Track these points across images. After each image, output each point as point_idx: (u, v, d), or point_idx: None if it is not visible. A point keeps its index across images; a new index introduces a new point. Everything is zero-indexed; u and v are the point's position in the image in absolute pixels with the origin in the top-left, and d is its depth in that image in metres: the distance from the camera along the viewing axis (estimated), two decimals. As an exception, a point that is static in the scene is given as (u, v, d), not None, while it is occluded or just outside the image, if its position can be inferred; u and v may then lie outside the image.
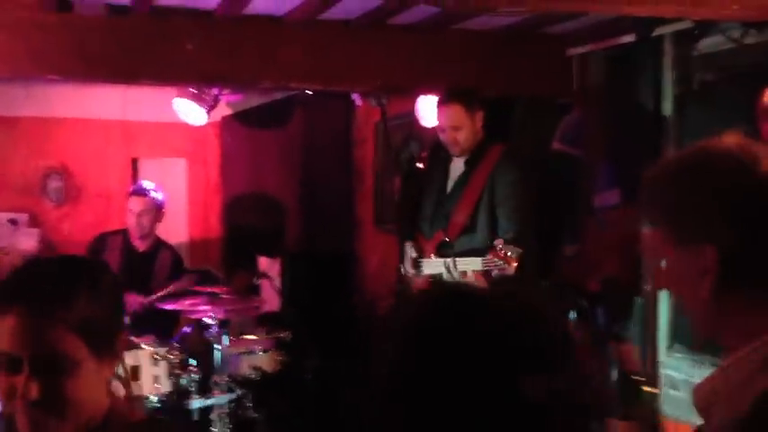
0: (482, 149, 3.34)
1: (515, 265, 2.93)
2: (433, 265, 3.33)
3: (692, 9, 2.65)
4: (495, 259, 2.96)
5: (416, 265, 3.43)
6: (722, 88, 3.16)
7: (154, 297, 3.84)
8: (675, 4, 2.51)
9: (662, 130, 3.46)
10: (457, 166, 3.42)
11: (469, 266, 3.15)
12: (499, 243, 2.97)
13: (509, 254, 2.94)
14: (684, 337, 3.44)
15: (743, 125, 3.02)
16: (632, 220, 3.65)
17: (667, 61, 3.41)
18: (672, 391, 3.51)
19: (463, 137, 3.29)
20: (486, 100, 3.37)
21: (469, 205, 3.31)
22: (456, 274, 3.15)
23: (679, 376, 3.47)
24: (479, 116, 3.31)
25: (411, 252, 3.45)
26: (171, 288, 3.83)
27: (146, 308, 3.89)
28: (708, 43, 3.20)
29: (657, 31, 3.29)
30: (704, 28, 3.07)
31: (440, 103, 3.33)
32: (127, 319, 3.56)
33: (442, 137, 3.34)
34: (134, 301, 3.84)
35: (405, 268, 3.49)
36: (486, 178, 3.30)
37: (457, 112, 3.27)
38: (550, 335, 0.83)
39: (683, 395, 3.45)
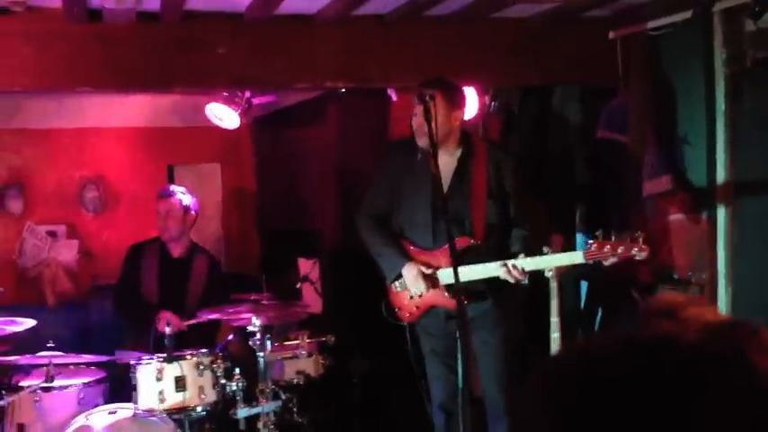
0: (468, 144, 3.16)
1: (645, 253, 2.72)
2: (471, 272, 2.99)
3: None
4: (611, 247, 2.74)
5: (431, 279, 3.12)
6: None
7: (192, 321, 3.78)
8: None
9: (714, 113, 3.31)
10: (444, 166, 3.06)
11: (560, 262, 2.89)
12: (599, 234, 2.77)
13: (633, 239, 2.72)
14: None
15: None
16: (685, 207, 3.53)
17: (718, 40, 3.26)
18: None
19: (417, 124, 3.01)
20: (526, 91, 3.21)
21: (483, 201, 3.11)
22: (520, 276, 2.92)
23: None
24: (456, 116, 3.08)
25: (414, 270, 3.12)
26: (202, 317, 3.74)
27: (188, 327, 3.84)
28: (763, 19, 3.04)
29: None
30: (762, 3, 2.91)
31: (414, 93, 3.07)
32: (169, 329, 3.53)
33: (413, 122, 3.08)
34: (173, 322, 3.79)
35: (412, 291, 3.17)
36: (487, 170, 3.12)
37: (412, 101, 3.05)
38: None
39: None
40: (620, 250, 2.74)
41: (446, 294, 3.11)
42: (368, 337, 4.51)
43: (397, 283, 3.24)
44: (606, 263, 2.80)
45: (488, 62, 3.55)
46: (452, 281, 2.95)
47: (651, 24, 3.43)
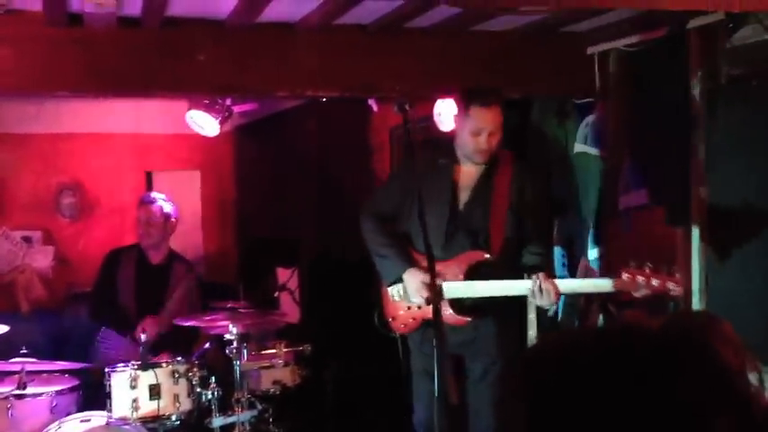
0: (496, 156, 3.08)
1: (680, 289, 2.60)
2: (475, 288, 2.89)
3: (735, 1, 2.53)
4: (644, 279, 2.61)
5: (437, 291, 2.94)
6: (753, 83, 3.05)
7: (167, 317, 3.77)
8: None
9: (690, 128, 3.36)
10: (467, 176, 3.08)
11: (588, 289, 2.83)
12: (632, 263, 2.64)
13: (670, 272, 2.58)
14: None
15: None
16: (660, 221, 3.57)
17: (693, 56, 3.31)
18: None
19: (496, 142, 3.00)
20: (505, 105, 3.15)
21: (503, 217, 2.99)
22: (554, 298, 2.79)
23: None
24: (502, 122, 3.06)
25: (418, 277, 2.96)
26: (180, 305, 3.72)
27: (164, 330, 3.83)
28: (736, 36, 3.10)
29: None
30: (737, 20, 2.97)
31: (477, 105, 2.99)
32: (144, 337, 3.50)
33: (473, 142, 2.99)
34: (151, 326, 3.77)
35: (412, 300, 3.01)
36: (510, 187, 3.03)
37: (497, 115, 2.97)
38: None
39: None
40: (654, 283, 2.63)
41: (449, 310, 2.95)
42: (345, 347, 4.51)
43: (395, 290, 3.09)
44: (636, 294, 2.69)
45: (468, 74, 3.57)
46: (459, 295, 2.92)
47: (628, 41, 3.48)
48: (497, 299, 2.91)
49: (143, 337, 3.45)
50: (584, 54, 3.71)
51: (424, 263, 2.92)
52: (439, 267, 2.95)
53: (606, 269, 3.72)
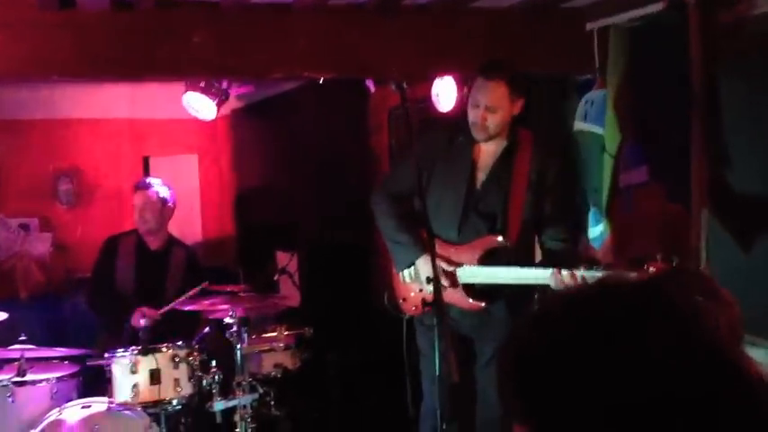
0: (515, 137, 2.97)
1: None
2: (495, 275, 2.80)
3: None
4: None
5: (449, 276, 2.88)
6: (755, 57, 3.02)
7: (166, 308, 3.74)
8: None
9: (691, 104, 3.33)
10: (485, 157, 2.97)
11: None
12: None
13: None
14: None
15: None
16: (660, 198, 3.55)
17: (694, 31, 3.27)
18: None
19: (496, 121, 2.87)
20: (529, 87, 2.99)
21: (522, 201, 2.89)
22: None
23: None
24: (519, 105, 2.91)
25: (430, 266, 2.74)
26: (182, 298, 3.70)
27: (162, 316, 3.81)
28: (738, 9, 3.06)
29: None
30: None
31: (480, 76, 2.88)
32: (144, 321, 3.49)
33: (471, 115, 2.89)
34: (149, 314, 3.75)
35: (425, 285, 2.89)
36: (530, 168, 2.91)
37: (499, 90, 2.84)
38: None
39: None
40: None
41: (463, 294, 2.90)
42: (345, 330, 4.50)
43: (407, 272, 3.03)
44: None
45: (466, 53, 3.53)
46: (474, 280, 2.86)
47: (627, 16, 3.43)
48: (508, 287, 2.86)
49: (142, 322, 3.44)
50: (583, 30, 3.67)
51: (440, 249, 2.86)
52: (453, 251, 2.94)
53: (614, 248, 3.70)
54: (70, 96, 5.13)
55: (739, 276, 3.19)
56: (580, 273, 2.68)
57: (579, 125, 3.84)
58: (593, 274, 2.68)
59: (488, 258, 2.89)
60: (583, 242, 3.85)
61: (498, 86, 2.86)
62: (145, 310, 3.77)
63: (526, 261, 2.90)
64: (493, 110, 2.87)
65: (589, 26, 3.65)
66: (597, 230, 3.81)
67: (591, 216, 3.81)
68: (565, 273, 2.66)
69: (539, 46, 3.69)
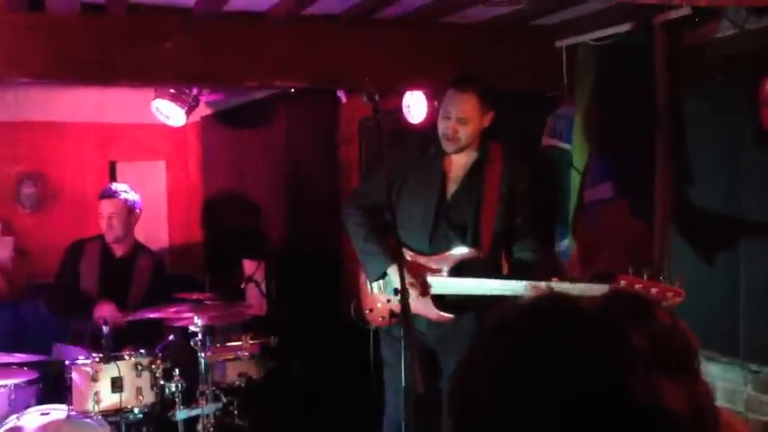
0: (485, 149, 3.01)
1: (680, 299, 2.53)
2: (484, 286, 2.80)
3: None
4: (642, 287, 2.53)
5: (421, 287, 2.87)
6: (718, 77, 3.10)
7: (133, 316, 3.68)
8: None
9: (655, 122, 3.40)
10: (456, 168, 3.00)
11: (585, 292, 2.62)
12: (630, 269, 2.57)
13: (672, 283, 2.52)
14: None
15: (739, 115, 2.98)
16: (625, 214, 3.61)
17: (660, 51, 3.35)
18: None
19: (466, 133, 2.89)
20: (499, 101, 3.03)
21: (493, 212, 2.91)
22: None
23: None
24: (489, 117, 2.94)
25: (396, 274, 2.76)
26: (141, 314, 3.64)
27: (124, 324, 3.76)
28: (702, 32, 3.14)
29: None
30: (704, 15, 3.01)
31: (452, 88, 2.92)
32: (106, 329, 3.44)
33: (442, 126, 2.92)
34: (112, 316, 3.70)
35: (382, 289, 2.95)
36: (500, 180, 2.94)
37: (470, 102, 2.87)
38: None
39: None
40: (653, 291, 2.58)
41: (431, 305, 2.90)
42: (312, 340, 4.49)
43: (375, 284, 3.03)
44: None
45: (437, 66, 3.57)
46: (443, 291, 2.86)
47: (596, 35, 3.51)
48: (475, 298, 2.86)
49: (105, 329, 3.39)
50: (552, 48, 3.73)
51: (410, 256, 2.92)
52: (424, 261, 2.95)
53: (575, 262, 3.75)
54: (35, 99, 5.06)
55: (700, 293, 3.26)
56: (554, 286, 2.70)
57: (547, 141, 3.91)
58: (563, 287, 2.73)
59: (459, 270, 2.90)
60: (553, 255, 3.90)
61: (470, 99, 2.89)
62: (108, 307, 3.72)
63: (496, 273, 2.92)
64: (464, 121, 2.90)
65: (558, 44, 3.72)
66: (564, 244, 3.87)
67: (558, 230, 3.88)
68: (535, 285, 2.69)
69: (509, 61, 3.74)
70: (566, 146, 3.83)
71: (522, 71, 3.79)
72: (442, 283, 2.90)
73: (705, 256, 3.21)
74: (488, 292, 2.82)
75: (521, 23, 3.65)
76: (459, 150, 2.97)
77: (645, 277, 2.60)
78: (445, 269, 2.91)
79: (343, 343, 4.02)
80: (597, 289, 2.71)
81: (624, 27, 3.30)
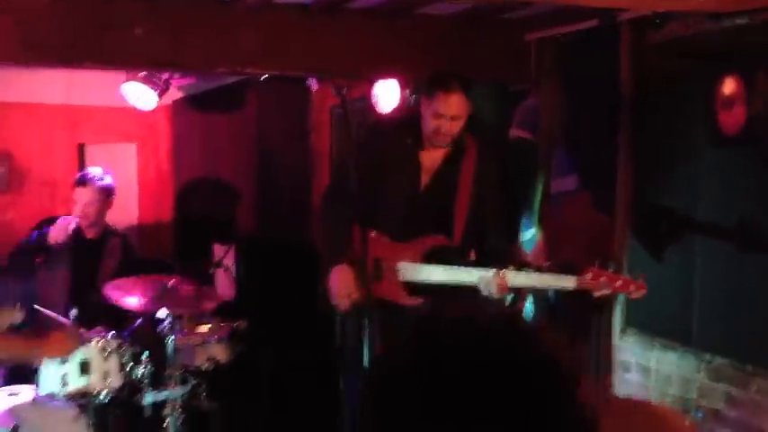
0: (461, 141, 3.06)
1: (643, 292, 2.66)
2: (442, 273, 2.91)
3: (659, 2, 2.64)
4: (607, 279, 2.65)
5: (392, 274, 2.96)
6: (680, 75, 3.18)
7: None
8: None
9: (619, 118, 3.49)
10: (432, 159, 3.06)
11: (549, 284, 2.84)
12: (596, 262, 2.68)
13: (635, 277, 2.65)
14: (637, 322, 3.50)
15: (700, 112, 3.06)
16: (587, 207, 3.70)
17: (624, 48, 3.43)
18: (626, 374, 3.58)
19: (458, 127, 2.97)
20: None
21: (467, 203, 2.99)
22: (506, 292, 2.77)
23: (632, 359, 3.53)
24: (469, 110, 3.02)
25: (347, 278, 2.92)
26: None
27: (93, 298, 3.76)
28: (666, 30, 3.22)
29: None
30: (665, 15, 3.08)
31: (440, 91, 2.97)
32: (75, 312, 3.44)
33: (434, 124, 2.97)
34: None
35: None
36: (475, 173, 3.02)
37: (462, 100, 2.96)
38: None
39: (637, 377, 3.51)
40: (617, 284, 2.68)
41: (402, 290, 2.97)
42: (281, 325, 4.53)
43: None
44: (597, 293, 2.72)
45: (408, 56, 3.61)
46: (414, 278, 2.93)
47: (563, 30, 3.57)
48: (455, 284, 2.92)
49: (73, 312, 3.40)
50: (521, 41, 3.79)
51: (385, 247, 2.96)
52: (399, 249, 3.01)
53: (540, 251, 3.84)
54: (2, 79, 4.99)
55: (657, 285, 3.36)
56: (510, 273, 2.79)
57: (515, 131, 3.98)
58: (522, 274, 2.81)
59: (431, 257, 2.97)
60: (516, 245, 3.98)
61: (460, 97, 2.97)
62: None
63: (466, 261, 2.99)
64: (457, 118, 2.98)
65: (527, 38, 3.78)
66: (529, 234, 3.95)
67: (523, 220, 3.96)
68: (493, 273, 2.77)
69: (478, 54, 3.79)
70: (532, 137, 3.91)
71: (492, 63, 3.85)
72: (413, 269, 2.96)
73: (662, 249, 3.30)
74: (452, 280, 2.89)
75: (490, 16, 3.70)
76: (449, 144, 3.05)
77: (610, 270, 2.70)
78: (418, 256, 2.98)
79: (313, 329, 4.07)
80: (565, 279, 2.82)
81: (591, 23, 3.36)
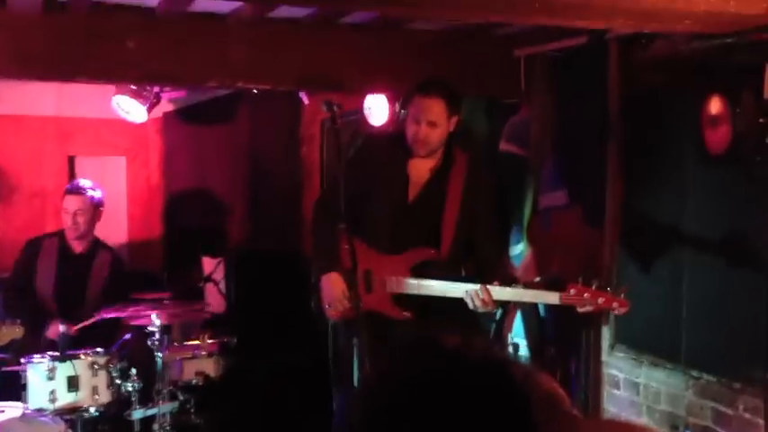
0: (450, 155, 3.06)
1: (625, 309, 2.65)
2: (432, 288, 2.90)
3: (645, 23, 2.67)
4: (590, 296, 2.65)
5: (381, 287, 2.97)
6: (667, 93, 3.21)
7: (83, 324, 3.65)
8: (627, 18, 2.50)
9: (608, 133, 3.51)
10: (420, 172, 3.05)
11: (534, 299, 2.85)
12: (580, 278, 2.68)
13: (618, 294, 2.65)
14: (626, 338, 3.51)
15: (687, 130, 3.09)
16: (577, 221, 3.72)
17: (613, 64, 3.46)
18: (614, 390, 3.59)
19: (437, 136, 2.94)
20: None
21: (455, 216, 2.98)
22: (491, 306, 2.77)
23: (621, 375, 3.54)
24: (454, 121, 2.99)
25: (338, 286, 2.94)
26: (97, 317, 3.62)
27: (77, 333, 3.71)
28: (653, 48, 3.25)
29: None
30: (652, 34, 3.11)
31: (418, 94, 2.97)
32: (63, 328, 3.42)
33: (412, 130, 2.95)
34: (59, 330, 3.66)
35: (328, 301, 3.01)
36: (464, 186, 3.01)
37: (439, 106, 2.92)
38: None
39: (625, 394, 3.52)
40: (599, 301, 2.68)
41: (391, 303, 2.98)
42: (271, 339, 4.52)
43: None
44: (580, 309, 2.73)
45: (398, 70, 3.62)
46: (403, 291, 2.92)
47: (553, 46, 3.60)
48: (444, 298, 2.92)
49: (62, 328, 3.38)
50: (511, 56, 3.82)
51: (373, 259, 2.97)
52: (387, 261, 3.01)
53: (533, 267, 3.84)
54: (-7, 91, 4.99)
55: (645, 302, 3.38)
56: (496, 288, 2.80)
57: (504, 146, 4.00)
58: (507, 289, 2.82)
59: (419, 270, 2.97)
60: (505, 259, 4.00)
61: (438, 103, 2.95)
62: (60, 325, 3.67)
63: (456, 275, 2.99)
64: (433, 125, 2.95)
65: (517, 53, 3.81)
66: (518, 249, 3.96)
67: (512, 234, 3.97)
68: (479, 287, 2.78)
69: (468, 68, 3.81)
70: (521, 152, 3.93)
71: (481, 78, 3.87)
72: (401, 283, 2.97)
73: (651, 266, 3.32)
74: (440, 293, 2.90)
75: (481, 31, 3.73)
76: (431, 153, 3.03)
77: (594, 287, 2.71)
78: (406, 269, 2.98)
79: (303, 341, 4.07)
80: (549, 295, 2.83)
81: (580, 40, 3.39)
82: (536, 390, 0.79)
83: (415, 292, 2.96)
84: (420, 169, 3.07)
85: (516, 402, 0.77)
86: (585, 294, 2.69)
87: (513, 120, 3.96)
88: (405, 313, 3.01)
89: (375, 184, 3.05)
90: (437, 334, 0.86)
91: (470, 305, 2.82)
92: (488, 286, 2.78)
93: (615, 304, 2.70)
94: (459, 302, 2.90)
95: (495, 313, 2.99)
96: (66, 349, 3.34)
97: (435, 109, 2.94)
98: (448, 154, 3.06)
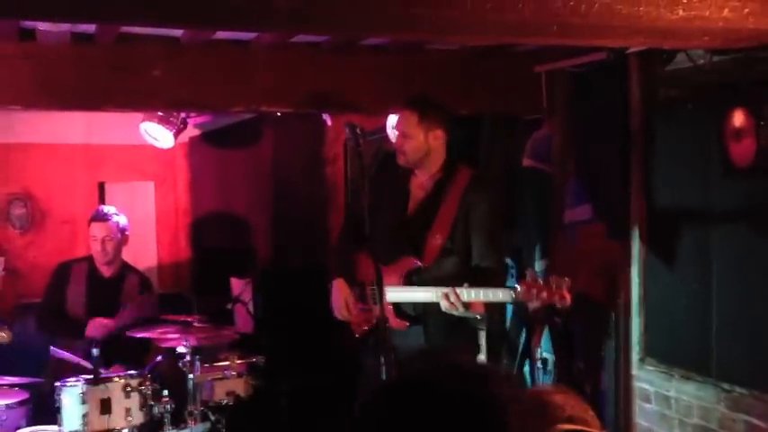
0: (451, 171, 3.16)
1: (569, 297, 2.72)
2: (408, 294, 3.04)
3: (663, 40, 2.68)
4: (536, 291, 2.71)
5: (376, 295, 3.01)
6: (689, 107, 3.20)
7: (120, 323, 3.76)
8: (645, 36, 2.51)
9: (630, 148, 3.51)
10: (421, 186, 3.19)
11: (491, 298, 2.88)
12: (531, 273, 2.77)
13: (558, 286, 2.70)
14: (656, 351, 3.49)
15: (711, 144, 3.08)
16: (602, 235, 3.71)
17: (633, 79, 3.46)
18: (645, 404, 3.56)
19: (410, 147, 3.09)
20: (455, 123, 3.22)
21: (446, 229, 3.09)
22: (459, 307, 2.86)
23: (651, 389, 3.52)
24: (436, 135, 3.10)
25: (342, 294, 3.14)
26: (134, 313, 3.74)
27: (113, 336, 3.82)
28: (674, 62, 3.25)
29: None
30: (670, 51, 3.12)
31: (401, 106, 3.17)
32: (96, 351, 3.49)
33: (393, 140, 3.17)
34: (99, 325, 3.78)
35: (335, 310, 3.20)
36: (459, 202, 3.10)
37: (410, 118, 3.08)
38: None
39: (657, 408, 3.49)
40: (543, 295, 2.75)
41: (390, 312, 3.06)
42: (299, 358, 4.55)
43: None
44: (531, 305, 2.86)
45: (419, 91, 3.63)
46: (396, 299, 3.03)
47: (573, 62, 3.61)
48: (430, 307, 3.00)
49: (95, 351, 3.44)
50: (532, 73, 3.84)
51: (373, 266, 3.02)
52: (385, 272, 2.99)
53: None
54: (24, 120, 5.10)
55: (674, 315, 3.36)
56: (464, 290, 2.86)
57: (527, 162, 4.01)
58: (472, 290, 2.87)
59: (409, 279, 3.08)
60: (531, 273, 3.99)
61: (410, 115, 3.10)
62: (95, 326, 3.79)
63: (446, 284, 3.01)
64: (405, 136, 3.10)
65: (537, 69, 3.82)
66: (543, 263, 3.96)
67: (536, 250, 3.97)
68: (448, 290, 2.85)
69: (489, 86, 3.84)
70: (544, 167, 3.93)
71: (503, 95, 3.89)
72: (394, 292, 3.05)
73: (679, 278, 3.30)
74: (420, 300, 3.00)
75: (501, 49, 3.75)
76: (412, 164, 3.15)
77: (539, 282, 2.76)
78: (399, 279, 3.09)
79: (331, 358, 4.08)
80: (502, 293, 2.87)
81: (600, 55, 3.40)
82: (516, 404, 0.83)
83: (397, 300, 3.06)
84: (421, 184, 3.20)
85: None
86: (533, 290, 2.75)
87: (535, 135, 3.98)
88: (404, 323, 3.09)
89: (383, 200, 3.17)
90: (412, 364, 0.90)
91: (443, 308, 2.90)
92: (458, 289, 2.85)
93: (556, 298, 2.74)
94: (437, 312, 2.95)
95: (472, 315, 3.02)
96: (99, 369, 3.39)
97: (407, 120, 3.10)
98: (448, 170, 3.16)
